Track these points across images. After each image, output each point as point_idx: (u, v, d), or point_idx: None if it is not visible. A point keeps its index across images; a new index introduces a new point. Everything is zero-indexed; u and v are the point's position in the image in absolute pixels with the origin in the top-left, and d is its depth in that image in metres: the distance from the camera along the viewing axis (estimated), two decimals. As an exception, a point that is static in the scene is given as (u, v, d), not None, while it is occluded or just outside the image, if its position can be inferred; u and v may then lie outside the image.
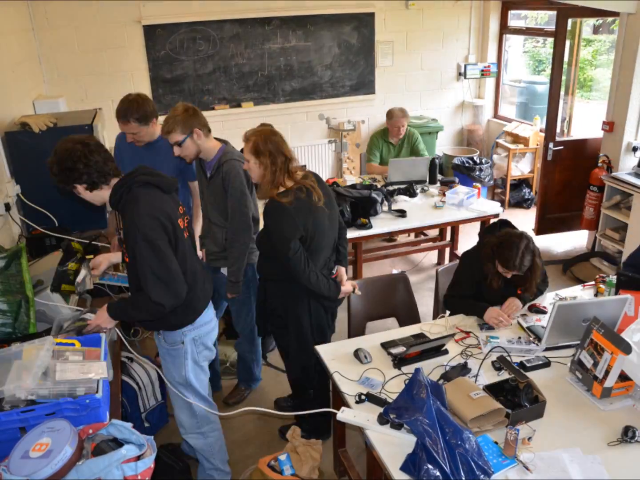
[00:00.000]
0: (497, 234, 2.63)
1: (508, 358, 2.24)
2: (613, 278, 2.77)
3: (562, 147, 4.88)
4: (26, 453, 1.47)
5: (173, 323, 2.20)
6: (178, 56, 5.35)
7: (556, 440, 1.91)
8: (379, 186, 4.25)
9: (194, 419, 2.44)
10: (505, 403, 1.99)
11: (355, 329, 2.97)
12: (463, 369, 2.24)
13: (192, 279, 2.17)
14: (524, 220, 5.43)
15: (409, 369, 2.25)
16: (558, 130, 5.04)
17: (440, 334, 2.50)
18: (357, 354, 2.39)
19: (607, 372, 1.98)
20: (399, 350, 2.36)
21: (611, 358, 1.95)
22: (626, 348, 1.93)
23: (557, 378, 2.23)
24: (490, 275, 2.61)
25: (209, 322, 2.32)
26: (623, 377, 2.04)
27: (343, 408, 2.06)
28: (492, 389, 2.06)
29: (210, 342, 2.37)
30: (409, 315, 3.02)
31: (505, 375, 2.21)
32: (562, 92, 4.96)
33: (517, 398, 2.02)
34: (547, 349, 2.37)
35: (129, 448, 1.52)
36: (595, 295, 2.82)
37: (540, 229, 5.18)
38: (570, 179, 4.98)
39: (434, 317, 3.17)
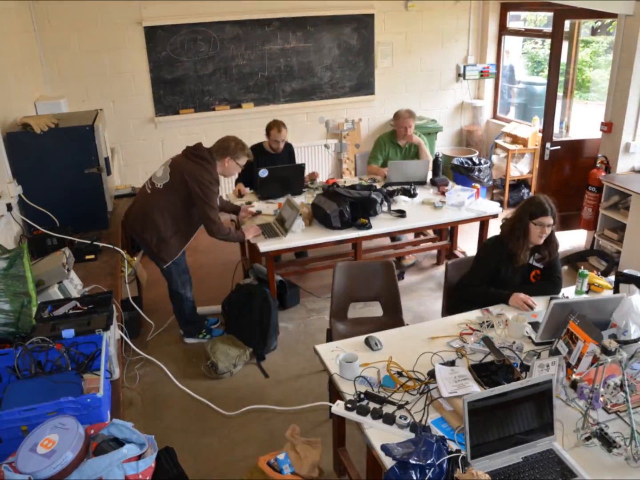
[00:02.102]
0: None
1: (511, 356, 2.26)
2: (585, 271, 2.85)
3: (559, 148, 4.89)
4: (35, 446, 1.49)
5: None
6: (179, 57, 5.36)
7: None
8: (378, 187, 4.27)
9: None
10: (486, 381, 2.12)
11: (339, 308, 3.18)
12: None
13: None
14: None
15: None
16: (556, 131, 5.05)
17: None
18: (367, 341, 2.43)
19: (579, 359, 2.08)
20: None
21: (583, 346, 2.07)
22: (597, 337, 2.05)
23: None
24: (518, 248, 2.77)
25: None
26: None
27: (338, 401, 2.08)
28: (477, 369, 2.18)
29: None
30: (391, 302, 3.21)
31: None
32: (561, 93, 4.97)
33: (497, 377, 2.14)
34: (539, 344, 2.41)
35: (130, 447, 1.53)
36: (587, 292, 2.87)
37: (539, 230, 5.19)
38: (568, 179, 4.99)
39: (443, 313, 3.17)
